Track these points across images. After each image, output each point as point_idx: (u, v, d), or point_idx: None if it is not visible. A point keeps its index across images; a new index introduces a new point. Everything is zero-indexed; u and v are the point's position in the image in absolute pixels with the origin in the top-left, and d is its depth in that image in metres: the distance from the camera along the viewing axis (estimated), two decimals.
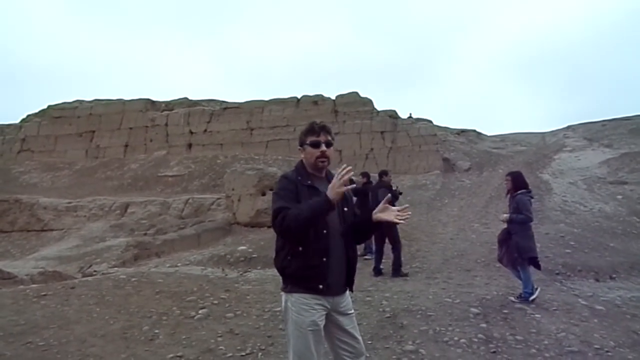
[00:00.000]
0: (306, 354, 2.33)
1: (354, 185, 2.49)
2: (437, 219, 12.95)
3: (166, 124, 23.61)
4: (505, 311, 5.22)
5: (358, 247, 2.74)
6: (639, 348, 4.18)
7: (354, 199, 3.51)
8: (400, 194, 8.75)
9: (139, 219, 15.57)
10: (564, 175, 15.99)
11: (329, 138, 2.49)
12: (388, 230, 7.41)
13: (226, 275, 8.11)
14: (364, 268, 7.63)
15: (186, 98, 25.93)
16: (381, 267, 7.80)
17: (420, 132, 21.14)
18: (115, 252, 11.39)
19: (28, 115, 26.63)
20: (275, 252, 2.50)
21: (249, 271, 8.54)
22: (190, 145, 23.11)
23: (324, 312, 2.40)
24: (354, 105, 22.10)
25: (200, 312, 5.18)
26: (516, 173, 6.15)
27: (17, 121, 26.63)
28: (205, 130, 23.22)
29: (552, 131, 25.45)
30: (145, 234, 13.35)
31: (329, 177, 2.55)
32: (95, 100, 25.70)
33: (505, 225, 5.93)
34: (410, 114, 23.54)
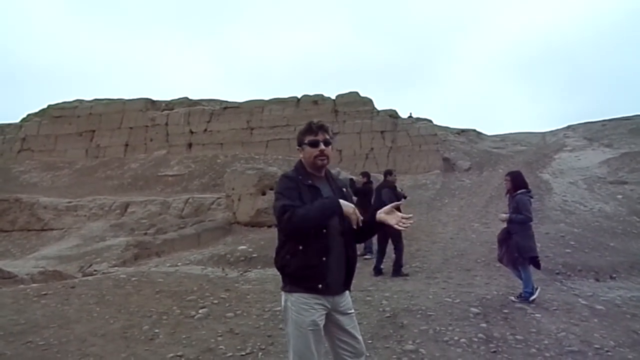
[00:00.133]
0: (306, 354, 2.33)
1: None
2: (437, 218, 12.96)
3: (166, 124, 23.62)
4: (506, 311, 5.22)
5: (358, 246, 2.74)
6: (639, 348, 4.18)
7: (354, 199, 3.52)
8: (405, 197, 8.70)
9: (139, 219, 15.57)
10: (564, 175, 15.98)
11: (327, 137, 2.49)
12: (392, 230, 7.40)
13: (226, 274, 8.12)
14: (364, 268, 7.63)
15: (186, 98, 25.93)
16: (381, 267, 7.80)
17: (421, 131, 21.14)
18: (115, 251, 11.39)
19: (28, 115, 26.62)
20: (276, 251, 2.50)
21: (249, 271, 8.55)
22: (190, 145, 23.11)
23: (324, 312, 2.40)
24: (354, 105, 22.10)
25: (200, 311, 5.18)
26: (516, 173, 6.15)
27: (17, 121, 26.63)
28: (206, 130, 23.23)
29: (552, 131, 25.43)
30: (145, 234, 13.34)
31: (328, 177, 2.56)
32: (96, 99, 25.71)
33: (505, 225, 5.94)
34: (411, 113, 23.51)
